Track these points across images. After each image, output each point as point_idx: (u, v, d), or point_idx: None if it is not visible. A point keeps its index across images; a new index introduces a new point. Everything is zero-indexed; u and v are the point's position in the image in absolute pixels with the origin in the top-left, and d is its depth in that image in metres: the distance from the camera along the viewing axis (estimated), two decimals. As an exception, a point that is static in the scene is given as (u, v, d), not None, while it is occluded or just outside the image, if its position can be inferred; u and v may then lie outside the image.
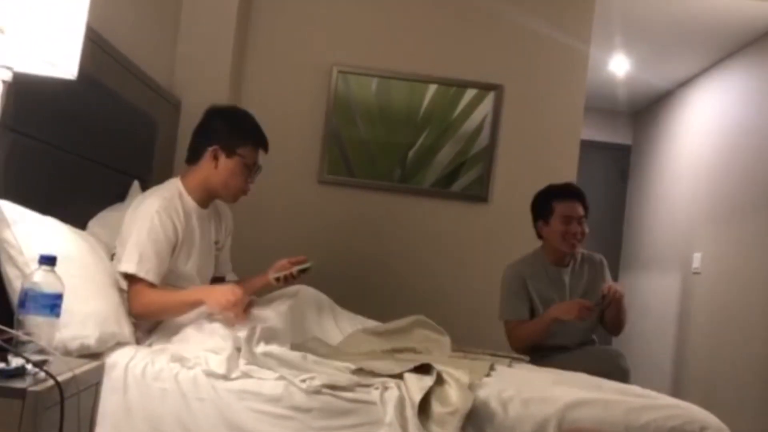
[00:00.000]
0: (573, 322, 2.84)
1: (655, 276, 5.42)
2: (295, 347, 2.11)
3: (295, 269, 2.34)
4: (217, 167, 2.30)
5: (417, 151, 3.69)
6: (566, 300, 2.95)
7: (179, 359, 1.92)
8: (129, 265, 2.12)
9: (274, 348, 1.98)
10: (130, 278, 2.13)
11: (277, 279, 2.36)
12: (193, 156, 2.34)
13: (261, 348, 1.97)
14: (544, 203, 3.03)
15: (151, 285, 2.14)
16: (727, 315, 4.22)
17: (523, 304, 2.97)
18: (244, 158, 2.30)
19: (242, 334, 1.98)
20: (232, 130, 2.32)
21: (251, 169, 2.34)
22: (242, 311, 2.19)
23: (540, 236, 3.07)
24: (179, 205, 2.25)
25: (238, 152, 2.30)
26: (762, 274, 3.90)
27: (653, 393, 2.05)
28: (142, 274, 2.12)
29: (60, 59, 1.58)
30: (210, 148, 2.29)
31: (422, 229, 3.70)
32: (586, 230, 3.00)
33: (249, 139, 2.32)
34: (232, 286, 2.24)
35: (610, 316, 2.97)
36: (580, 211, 2.98)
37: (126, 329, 2.04)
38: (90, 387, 1.57)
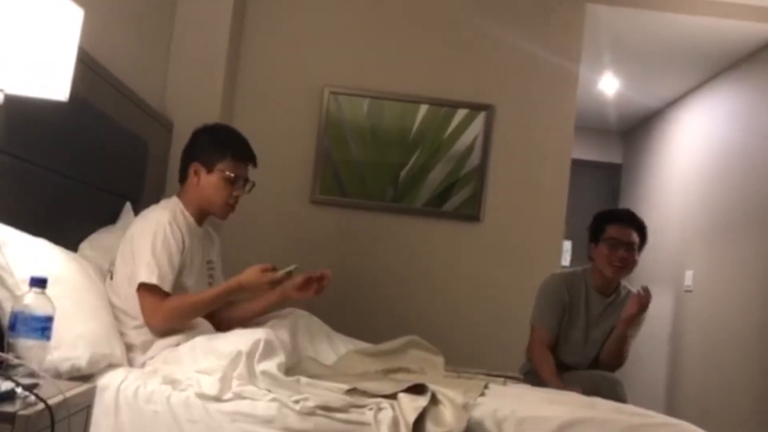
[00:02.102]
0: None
1: (648, 294, 5.42)
2: (289, 370, 2.09)
3: (280, 273, 2.25)
4: (199, 184, 2.33)
5: (409, 171, 3.70)
6: (590, 327, 2.98)
7: (171, 381, 1.90)
8: (150, 276, 2.11)
9: (271, 367, 1.97)
10: (146, 289, 2.12)
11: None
12: (181, 175, 2.39)
13: (262, 366, 1.95)
14: (597, 224, 3.01)
15: (166, 295, 2.14)
16: (720, 332, 4.23)
17: (553, 317, 2.95)
18: (224, 172, 2.31)
19: (245, 348, 1.96)
20: (210, 145, 2.35)
21: (234, 182, 2.34)
22: (275, 277, 2.22)
23: (590, 258, 3.03)
24: (182, 220, 2.28)
25: (217, 167, 2.32)
26: (754, 291, 3.91)
27: (648, 411, 2.04)
28: (162, 285, 2.12)
29: (52, 81, 1.59)
30: (192, 166, 2.34)
31: (414, 248, 3.70)
32: (636, 259, 2.94)
33: (227, 153, 2.33)
34: (252, 267, 2.25)
35: (609, 349, 2.95)
36: (633, 237, 2.93)
37: (118, 350, 2.02)
38: (81, 410, 1.55)
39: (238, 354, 1.95)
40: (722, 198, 4.41)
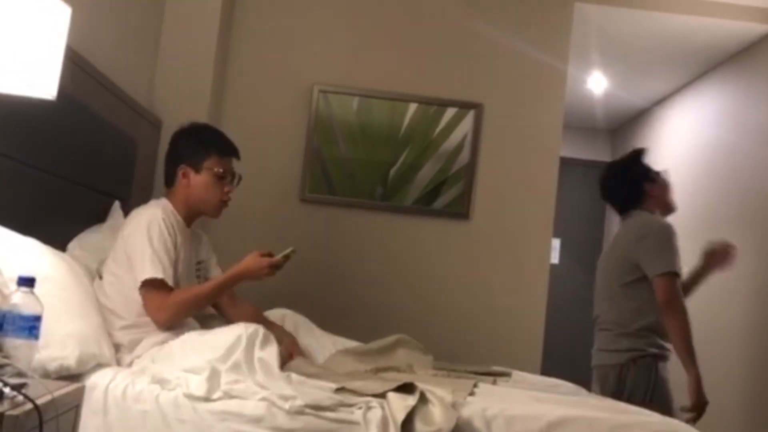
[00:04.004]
0: None
1: (636, 292, 5.44)
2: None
3: (278, 257, 2.27)
4: (190, 185, 2.36)
5: (398, 170, 3.70)
6: None
7: (159, 381, 1.90)
8: (155, 271, 2.13)
9: (267, 355, 1.99)
10: (151, 285, 2.14)
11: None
12: (168, 180, 2.41)
13: (260, 353, 1.99)
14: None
15: (170, 290, 2.17)
16: (707, 329, 4.25)
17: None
18: (212, 170, 2.35)
19: (245, 333, 2.00)
20: (194, 146, 2.38)
21: (224, 178, 2.37)
22: (274, 261, 2.25)
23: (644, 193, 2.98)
24: (173, 218, 2.31)
25: (205, 166, 2.35)
26: (741, 288, 3.94)
27: (637, 408, 2.06)
28: (166, 279, 2.15)
29: (39, 80, 1.58)
30: (179, 169, 2.36)
31: (404, 246, 3.70)
32: None
33: (212, 151, 2.37)
34: (250, 254, 2.28)
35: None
36: None
37: (106, 350, 2.02)
38: (69, 410, 1.54)
39: (238, 339, 1.98)
40: (708, 196, 4.44)
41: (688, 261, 4.57)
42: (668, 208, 3.04)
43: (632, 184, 2.98)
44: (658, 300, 2.74)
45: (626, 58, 4.58)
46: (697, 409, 2.72)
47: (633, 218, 2.95)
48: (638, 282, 2.80)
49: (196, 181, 2.35)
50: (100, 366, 1.94)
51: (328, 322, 2.71)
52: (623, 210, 3.02)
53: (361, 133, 3.71)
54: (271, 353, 2.02)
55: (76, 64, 2.30)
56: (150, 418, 1.82)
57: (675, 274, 2.75)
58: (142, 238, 2.17)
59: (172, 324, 2.18)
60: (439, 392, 1.91)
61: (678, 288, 2.77)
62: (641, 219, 2.92)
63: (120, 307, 2.16)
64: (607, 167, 3.16)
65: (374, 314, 3.57)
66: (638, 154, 3.09)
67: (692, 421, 2.64)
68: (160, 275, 2.14)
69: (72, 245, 2.32)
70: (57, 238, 2.20)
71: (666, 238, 2.80)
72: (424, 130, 3.72)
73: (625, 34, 4.18)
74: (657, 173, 3.04)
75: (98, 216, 2.55)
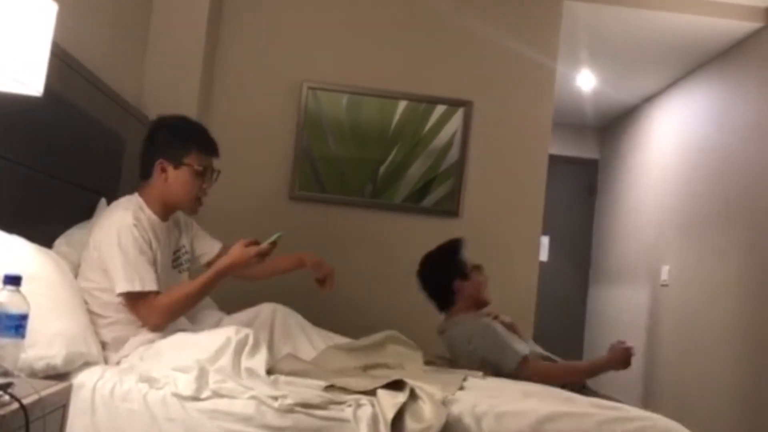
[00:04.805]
0: None
1: (624, 289, 5.48)
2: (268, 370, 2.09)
3: (264, 244, 2.26)
4: (167, 180, 2.28)
5: (388, 167, 3.70)
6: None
7: (147, 379, 1.88)
8: (132, 284, 2.10)
9: (255, 365, 1.98)
10: (131, 297, 2.11)
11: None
12: (145, 171, 2.33)
13: (247, 363, 1.98)
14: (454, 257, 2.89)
15: (156, 294, 2.13)
16: (695, 326, 4.28)
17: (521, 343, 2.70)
18: (192, 167, 2.28)
19: (235, 337, 1.99)
20: (175, 140, 2.30)
21: (203, 175, 2.31)
22: (261, 249, 2.23)
23: (454, 292, 2.88)
24: (145, 220, 2.25)
25: (185, 162, 2.28)
26: (728, 285, 3.96)
27: (625, 405, 2.06)
28: (147, 288, 2.11)
29: (26, 76, 1.57)
30: (158, 163, 2.28)
31: (394, 244, 3.70)
32: None
33: (193, 147, 2.29)
34: (235, 245, 2.26)
35: None
36: None
37: (94, 349, 2.00)
38: (57, 409, 1.54)
39: (227, 342, 1.97)
40: (697, 194, 4.46)
41: (676, 256, 4.61)
42: (481, 304, 2.88)
43: (442, 283, 2.86)
44: (538, 382, 2.44)
45: (615, 55, 4.60)
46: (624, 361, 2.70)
47: (453, 327, 2.80)
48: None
49: (174, 177, 2.28)
50: (87, 365, 1.93)
51: (318, 319, 2.70)
52: (441, 308, 2.92)
53: (350, 130, 3.70)
54: (259, 362, 2.00)
55: (62, 61, 2.28)
56: (138, 417, 1.81)
57: (526, 357, 2.58)
58: (113, 247, 2.12)
59: (166, 325, 2.17)
60: (429, 389, 1.91)
61: (538, 363, 2.64)
62: (461, 330, 2.75)
63: (98, 308, 2.14)
64: (423, 258, 2.96)
65: (364, 311, 3.56)
66: (454, 247, 2.91)
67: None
68: (136, 287, 2.10)
69: (58, 242, 2.29)
70: (43, 235, 2.18)
71: (494, 336, 2.65)
72: (414, 128, 3.72)
73: (614, 32, 4.20)
74: (472, 268, 2.87)
75: (85, 213, 2.53)
